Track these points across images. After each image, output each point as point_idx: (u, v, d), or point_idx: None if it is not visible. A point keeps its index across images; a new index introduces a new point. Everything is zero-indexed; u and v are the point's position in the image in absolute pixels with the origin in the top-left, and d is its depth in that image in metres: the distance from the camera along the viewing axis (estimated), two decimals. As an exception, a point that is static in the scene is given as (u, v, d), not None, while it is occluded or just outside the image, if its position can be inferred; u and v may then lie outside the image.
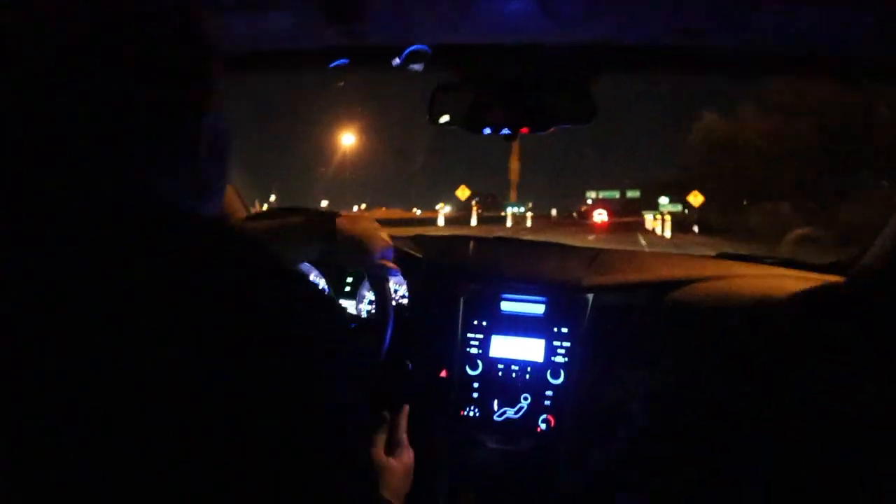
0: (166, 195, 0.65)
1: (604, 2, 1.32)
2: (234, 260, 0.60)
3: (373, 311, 1.96)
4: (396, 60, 1.64)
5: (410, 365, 1.84)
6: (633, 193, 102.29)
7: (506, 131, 1.68)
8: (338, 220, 1.35)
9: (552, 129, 1.68)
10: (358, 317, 1.99)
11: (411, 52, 1.62)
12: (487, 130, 1.69)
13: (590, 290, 1.93)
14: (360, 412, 0.65)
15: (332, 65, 1.75)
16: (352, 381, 0.62)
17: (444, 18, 1.45)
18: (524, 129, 1.66)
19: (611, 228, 55.92)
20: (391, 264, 1.51)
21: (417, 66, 1.66)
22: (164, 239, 0.57)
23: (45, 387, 0.49)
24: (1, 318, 0.51)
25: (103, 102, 0.59)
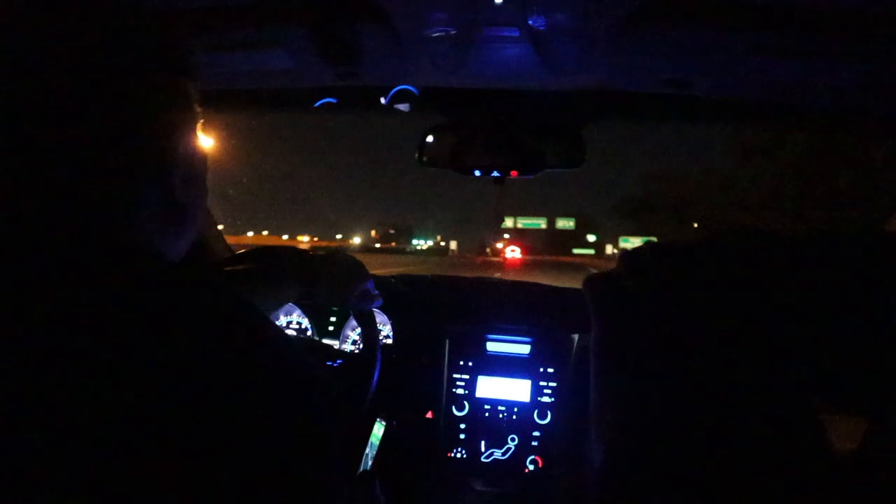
0: (139, 224, 0.65)
1: (597, 51, 1.36)
2: (203, 317, 0.58)
3: (357, 350, 1.94)
4: (383, 100, 1.66)
5: (395, 422, 1.82)
6: (565, 223, 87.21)
7: (495, 174, 1.70)
8: (316, 260, 1.34)
9: (540, 173, 1.71)
10: (342, 352, 1.97)
11: (398, 92, 1.64)
12: (477, 173, 1.71)
13: (574, 330, 1.93)
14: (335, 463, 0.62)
15: (318, 104, 1.76)
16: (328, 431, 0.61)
17: (440, 61, 1.47)
18: (513, 173, 1.68)
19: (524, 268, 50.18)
20: (374, 294, 1.48)
21: (403, 107, 1.68)
22: (132, 289, 0.55)
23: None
24: None
25: (73, 128, 0.59)
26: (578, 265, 58.55)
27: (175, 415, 0.49)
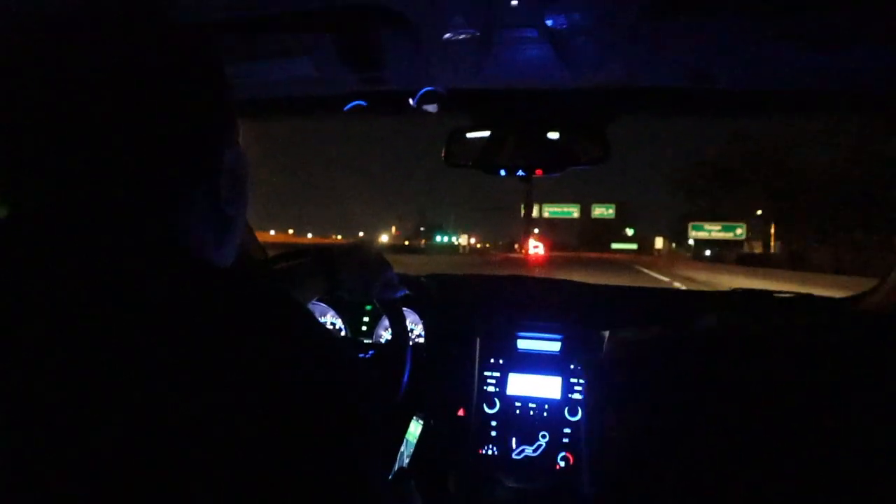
0: (188, 233, 0.67)
1: (614, 48, 1.36)
2: (258, 318, 0.60)
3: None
4: (411, 101, 1.68)
5: (431, 421, 1.84)
6: (603, 211, 64.36)
7: (520, 173, 1.71)
8: (336, 254, 1.36)
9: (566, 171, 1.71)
10: (375, 344, 1.99)
11: (426, 94, 1.66)
12: (503, 172, 1.72)
13: (605, 326, 1.94)
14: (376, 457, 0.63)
15: (347, 107, 1.79)
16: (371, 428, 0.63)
17: (461, 64, 1.49)
18: (538, 172, 1.69)
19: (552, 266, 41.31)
20: (396, 284, 1.50)
21: (431, 108, 1.70)
22: (184, 293, 0.57)
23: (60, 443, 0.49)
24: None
25: (127, 142, 0.60)
26: (623, 264, 49.37)
27: (234, 415, 0.52)
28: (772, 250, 44.31)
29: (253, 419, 0.52)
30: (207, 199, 0.69)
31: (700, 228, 50.73)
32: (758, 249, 47.54)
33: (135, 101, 0.60)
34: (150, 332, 0.53)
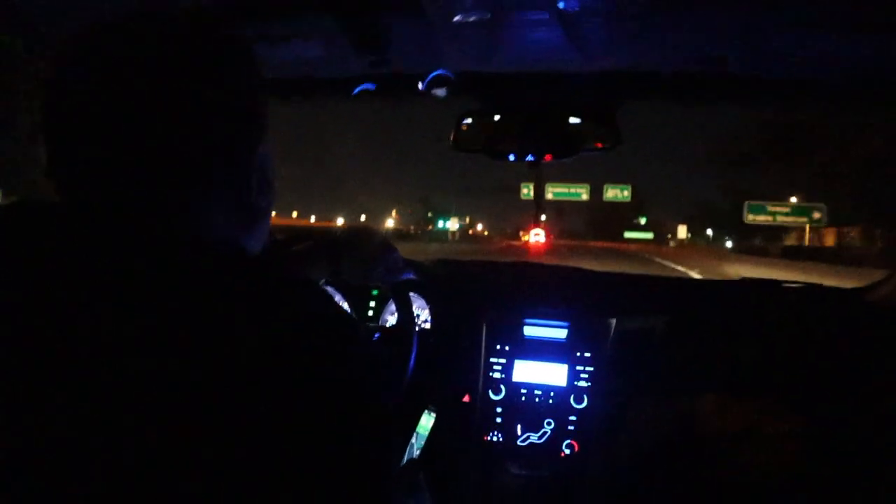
0: (220, 227, 0.69)
1: (626, 31, 1.34)
2: (287, 303, 0.63)
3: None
4: (421, 85, 1.67)
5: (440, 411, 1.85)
6: (617, 193, 52.18)
7: (530, 158, 1.70)
8: (339, 237, 1.38)
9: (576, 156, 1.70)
10: (379, 327, 2.00)
11: (435, 78, 1.65)
12: (511, 157, 1.70)
13: (612, 314, 1.93)
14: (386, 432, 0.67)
15: (357, 90, 1.78)
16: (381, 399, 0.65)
17: (470, 48, 1.47)
18: (548, 157, 1.68)
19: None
20: (401, 266, 1.50)
21: (441, 92, 1.69)
22: (218, 280, 0.60)
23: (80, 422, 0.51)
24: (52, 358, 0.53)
25: (172, 139, 0.62)
26: (641, 258, 35.99)
27: (257, 395, 0.54)
28: (824, 242, 39.86)
29: (274, 397, 0.55)
30: (240, 192, 0.71)
31: (760, 211, 36.73)
32: (829, 241, 40.75)
33: (177, 100, 0.63)
34: (177, 315, 0.55)
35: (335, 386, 0.60)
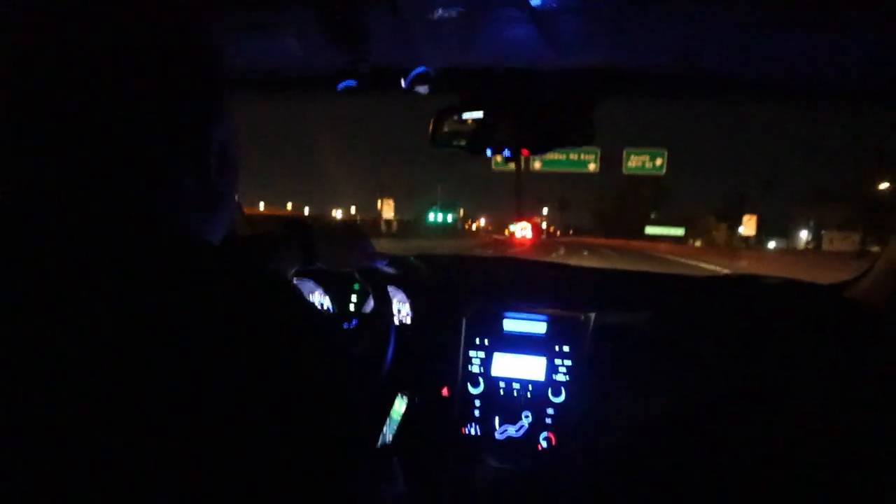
0: (178, 210, 0.67)
1: (599, 28, 1.36)
2: (244, 294, 0.61)
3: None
4: (403, 83, 1.68)
5: (416, 399, 1.86)
6: (642, 161, 30.29)
7: (506, 153, 1.71)
8: (313, 226, 1.39)
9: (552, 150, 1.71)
10: (357, 314, 2.00)
11: (417, 75, 1.66)
12: (489, 152, 1.72)
13: (591, 309, 1.95)
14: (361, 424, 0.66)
15: (341, 86, 1.78)
16: (354, 392, 0.65)
17: (447, 43, 1.48)
18: (525, 152, 1.69)
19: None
20: (374, 253, 1.53)
21: (423, 89, 1.70)
22: (169, 268, 0.58)
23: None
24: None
25: (111, 115, 0.60)
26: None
27: (219, 394, 0.53)
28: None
29: (237, 398, 0.53)
30: (197, 176, 0.69)
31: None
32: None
33: (120, 80, 0.61)
34: (135, 313, 0.53)
35: (303, 383, 0.59)
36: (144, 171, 0.64)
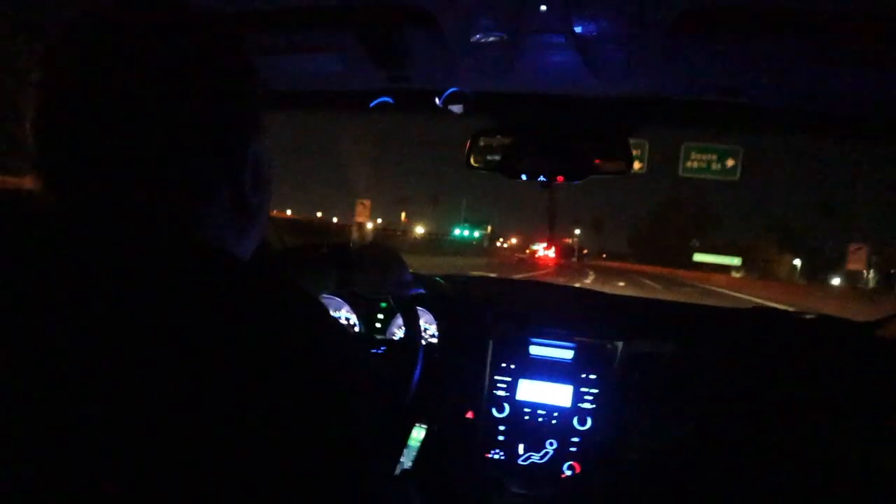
0: (210, 224, 0.68)
1: (645, 58, 1.35)
2: (271, 311, 0.61)
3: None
4: (438, 101, 1.69)
5: (436, 427, 1.85)
6: (711, 159, 8.55)
7: (541, 179, 1.70)
8: (351, 248, 1.39)
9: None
10: (387, 340, 2.00)
11: (452, 94, 1.66)
12: (524, 177, 1.71)
13: (619, 337, 1.93)
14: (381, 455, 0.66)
15: (374, 104, 1.79)
16: (376, 419, 0.64)
17: (486, 67, 1.49)
18: (560, 178, 1.68)
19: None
20: (410, 281, 1.51)
21: (457, 108, 1.71)
22: (211, 287, 0.59)
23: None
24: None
25: (153, 130, 0.62)
26: None
27: (238, 406, 0.53)
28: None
29: (257, 410, 0.53)
30: (231, 191, 0.70)
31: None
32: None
33: (163, 96, 0.62)
34: (162, 325, 0.54)
35: (327, 398, 0.59)
36: (183, 184, 0.65)
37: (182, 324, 0.55)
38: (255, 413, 0.53)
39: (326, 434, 0.57)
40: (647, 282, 36.46)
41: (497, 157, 1.74)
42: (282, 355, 0.57)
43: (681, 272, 60.09)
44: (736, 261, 69.39)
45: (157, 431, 0.51)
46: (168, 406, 0.51)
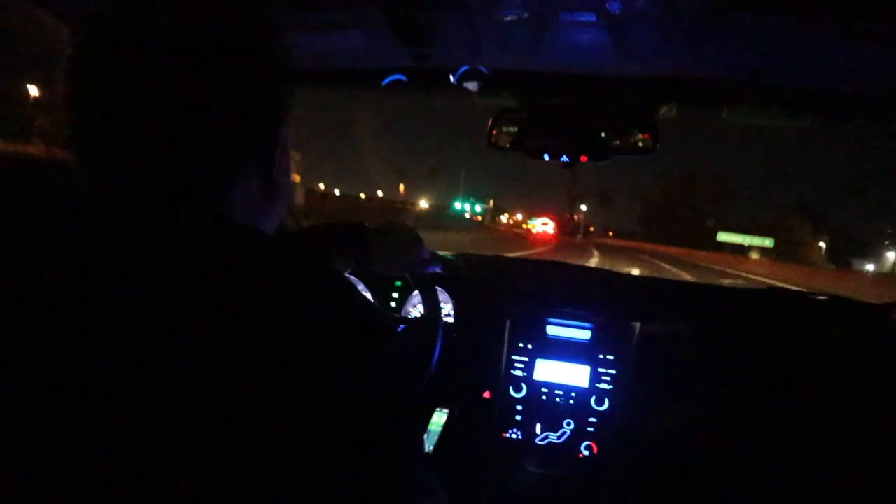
0: (241, 202, 0.69)
1: (676, 37, 1.32)
2: (296, 279, 0.63)
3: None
4: (452, 78, 1.66)
5: (456, 410, 1.85)
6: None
7: (564, 159, 1.69)
8: (369, 228, 1.38)
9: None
10: (405, 318, 2.00)
11: (466, 71, 1.64)
12: (546, 157, 1.69)
13: (636, 318, 1.92)
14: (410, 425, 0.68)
15: (386, 81, 1.77)
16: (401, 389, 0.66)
17: (513, 45, 1.46)
18: (584, 158, 1.67)
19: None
20: (428, 259, 1.51)
21: (472, 86, 1.68)
22: (243, 266, 0.60)
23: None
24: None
25: (192, 116, 0.62)
26: None
27: (281, 385, 0.54)
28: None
29: (298, 388, 0.55)
30: (261, 170, 0.71)
31: None
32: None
33: (204, 80, 0.62)
34: (202, 303, 0.56)
35: (361, 377, 0.60)
36: (216, 168, 0.65)
37: (222, 301, 0.56)
38: (290, 385, 0.55)
39: (359, 409, 0.59)
40: (666, 266, 33.86)
41: (519, 137, 1.72)
42: (320, 330, 0.59)
43: (702, 254, 54.29)
44: (767, 241, 64.02)
45: (198, 400, 0.52)
46: (211, 394, 0.53)
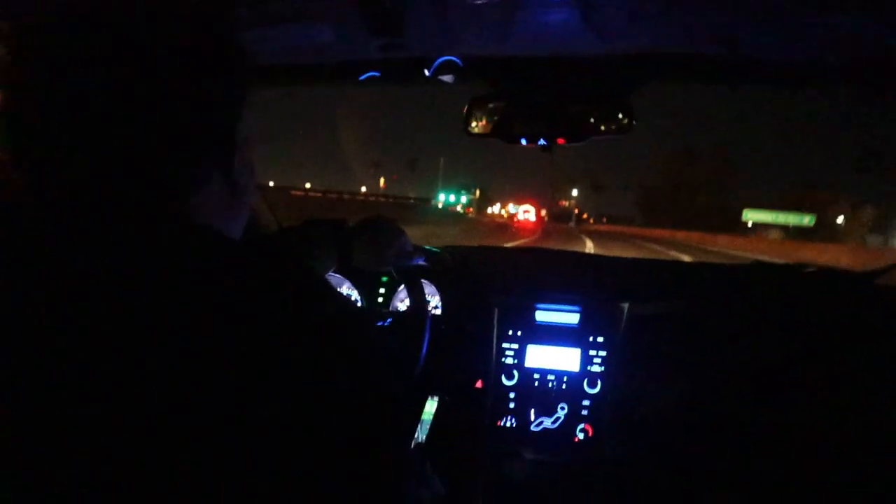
0: (203, 205, 0.68)
1: (645, 12, 1.32)
2: (268, 286, 0.61)
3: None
4: (427, 72, 1.65)
5: (447, 397, 1.84)
6: None
7: (542, 142, 1.68)
8: (349, 225, 1.37)
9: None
10: (392, 312, 1.99)
11: (442, 64, 1.63)
12: (524, 141, 1.69)
13: (624, 299, 1.93)
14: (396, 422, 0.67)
15: (363, 77, 1.76)
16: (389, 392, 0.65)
17: (485, 30, 1.45)
18: (561, 140, 1.67)
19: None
20: (411, 251, 1.51)
21: (448, 78, 1.68)
22: (212, 270, 0.59)
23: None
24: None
25: (147, 120, 0.61)
26: None
27: (253, 386, 0.54)
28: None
29: (275, 390, 0.54)
30: (221, 171, 0.70)
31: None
32: None
33: (152, 82, 0.61)
34: (170, 308, 0.54)
35: (343, 375, 0.59)
36: (180, 170, 0.65)
37: (192, 307, 0.55)
38: (271, 389, 0.54)
39: (341, 408, 0.58)
40: (683, 257, 26.90)
41: (495, 123, 1.72)
42: (294, 332, 0.58)
43: (719, 238, 46.48)
44: (807, 219, 56.04)
45: (176, 407, 0.51)
46: (187, 399, 0.51)
